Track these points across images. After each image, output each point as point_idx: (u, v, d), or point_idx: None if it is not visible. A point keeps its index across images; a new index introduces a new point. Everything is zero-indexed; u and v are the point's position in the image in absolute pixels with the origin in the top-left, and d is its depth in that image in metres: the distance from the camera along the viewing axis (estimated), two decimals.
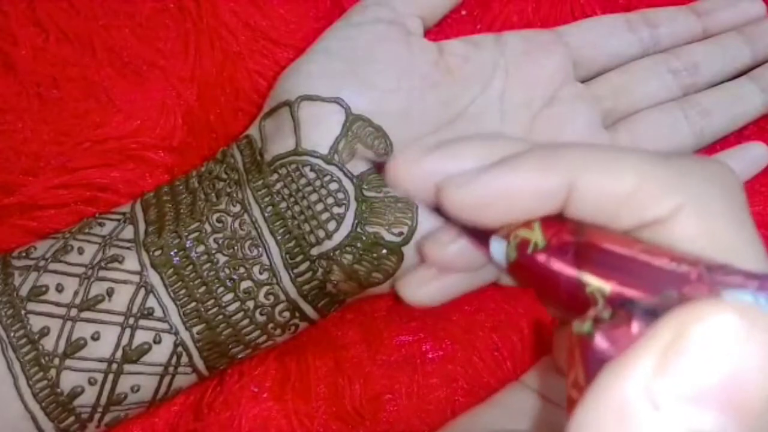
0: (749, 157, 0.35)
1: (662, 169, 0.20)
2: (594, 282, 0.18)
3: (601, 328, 0.16)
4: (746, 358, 0.13)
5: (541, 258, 0.20)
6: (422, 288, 0.27)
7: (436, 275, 0.26)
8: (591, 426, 0.14)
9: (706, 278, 0.16)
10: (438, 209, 0.23)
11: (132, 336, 0.28)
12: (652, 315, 0.16)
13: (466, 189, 0.21)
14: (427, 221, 0.29)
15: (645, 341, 0.14)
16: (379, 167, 0.28)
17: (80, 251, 0.29)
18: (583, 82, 0.34)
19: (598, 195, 0.20)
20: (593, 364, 0.16)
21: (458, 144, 0.22)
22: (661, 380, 0.14)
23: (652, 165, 0.20)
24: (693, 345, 0.13)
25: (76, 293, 0.28)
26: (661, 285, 0.17)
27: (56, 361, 0.28)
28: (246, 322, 0.29)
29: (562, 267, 0.19)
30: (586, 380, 0.16)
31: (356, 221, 0.29)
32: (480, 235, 0.22)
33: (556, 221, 0.20)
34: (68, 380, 0.28)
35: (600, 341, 0.16)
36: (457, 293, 0.27)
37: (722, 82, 0.36)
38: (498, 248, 0.21)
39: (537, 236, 0.20)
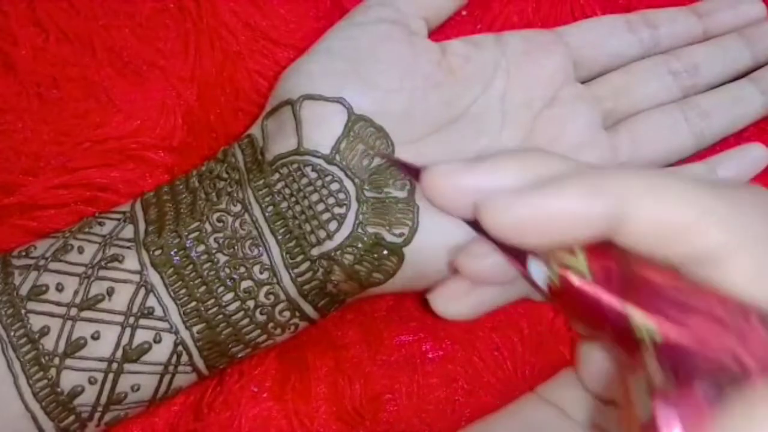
0: (749, 159, 0.35)
1: (722, 202, 0.19)
2: (641, 319, 0.18)
3: (662, 401, 0.15)
4: None
5: (586, 288, 0.19)
6: (456, 302, 0.25)
7: (470, 288, 0.25)
8: None
9: (761, 333, 0.16)
10: (472, 224, 0.22)
11: (132, 335, 0.28)
12: (716, 387, 0.15)
13: (508, 211, 0.20)
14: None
15: None
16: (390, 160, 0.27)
17: (80, 250, 0.29)
18: (583, 82, 0.35)
19: (650, 224, 0.19)
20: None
21: (498, 159, 0.22)
22: None
23: (711, 197, 0.19)
24: None
25: (76, 292, 0.28)
26: (713, 332, 0.16)
27: (56, 360, 0.28)
28: (246, 321, 0.29)
29: (607, 299, 0.18)
30: None
31: (357, 221, 0.29)
32: (517, 254, 0.21)
33: (600, 249, 0.20)
34: (68, 379, 0.28)
35: (664, 420, 0.15)
36: (492, 306, 0.26)
37: (722, 83, 0.36)
38: (538, 271, 0.20)
39: (581, 264, 0.19)
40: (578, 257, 0.19)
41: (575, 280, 0.19)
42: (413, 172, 0.23)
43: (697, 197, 0.19)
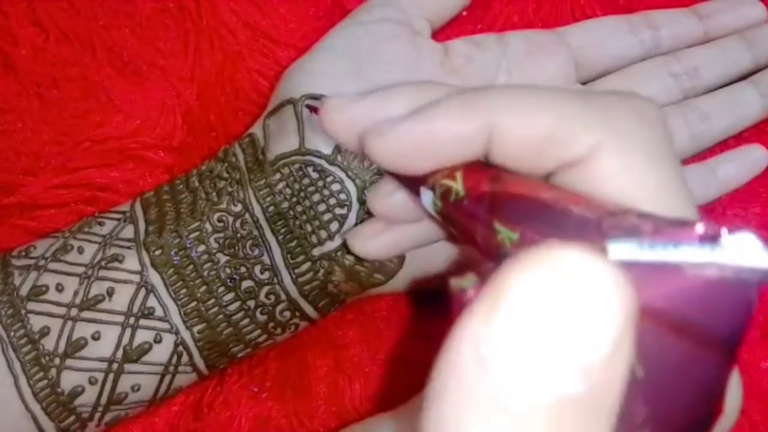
0: (748, 160, 0.35)
1: (580, 105, 0.19)
2: (503, 230, 0.18)
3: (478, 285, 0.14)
4: (563, 315, 0.12)
5: (460, 207, 0.19)
6: (372, 241, 0.25)
7: (385, 228, 0.25)
8: (438, 390, 0.13)
9: (605, 223, 0.15)
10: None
11: (132, 335, 0.28)
12: None
13: (385, 138, 0.20)
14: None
15: (477, 301, 0.13)
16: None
17: (80, 251, 0.29)
18: (584, 83, 0.34)
19: (516, 137, 0.19)
20: None
21: (386, 91, 0.22)
22: (487, 339, 0.12)
23: (570, 102, 0.19)
24: (510, 303, 0.12)
25: (76, 293, 0.28)
26: (565, 231, 0.16)
27: (57, 360, 0.27)
28: (246, 321, 0.29)
29: (477, 216, 0.19)
30: None
31: (358, 222, 0.29)
32: (413, 185, 0.21)
33: (477, 169, 0.20)
34: (69, 380, 0.28)
35: (472, 296, 0.14)
36: (410, 246, 0.26)
37: (723, 85, 0.36)
38: (427, 198, 0.21)
39: (458, 185, 0.20)
40: (456, 179, 0.20)
41: (453, 201, 0.19)
42: (317, 110, 0.23)
43: (554, 104, 0.19)
